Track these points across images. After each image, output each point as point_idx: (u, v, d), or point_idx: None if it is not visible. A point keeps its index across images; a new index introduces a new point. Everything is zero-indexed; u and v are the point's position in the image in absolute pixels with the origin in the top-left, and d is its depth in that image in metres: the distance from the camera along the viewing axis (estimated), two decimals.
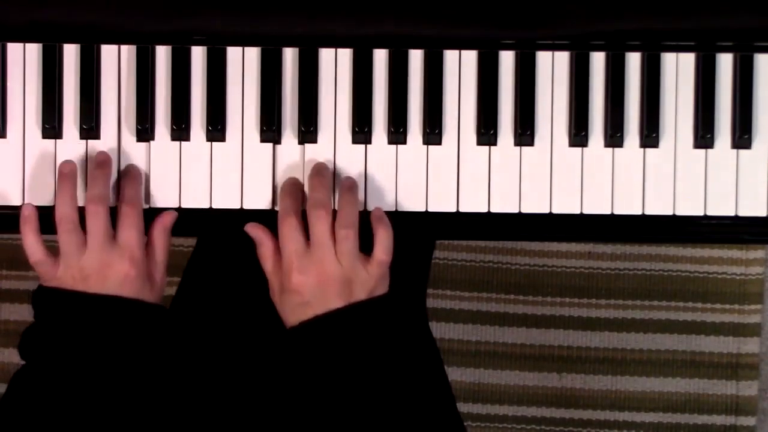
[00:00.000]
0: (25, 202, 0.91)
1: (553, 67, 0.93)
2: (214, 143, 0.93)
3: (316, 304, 0.85)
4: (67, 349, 0.84)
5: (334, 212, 0.87)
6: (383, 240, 0.87)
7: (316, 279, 0.85)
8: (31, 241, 0.88)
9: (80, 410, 0.83)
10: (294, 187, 0.90)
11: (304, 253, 0.86)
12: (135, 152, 0.92)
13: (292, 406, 0.87)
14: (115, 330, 0.85)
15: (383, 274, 0.87)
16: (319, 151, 0.93)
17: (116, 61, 0.92)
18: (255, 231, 0.90)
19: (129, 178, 0.90)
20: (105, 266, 0.86)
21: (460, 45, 0.93)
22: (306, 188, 0.91)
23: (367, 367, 0.84)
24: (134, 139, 0.92)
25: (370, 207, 0.91)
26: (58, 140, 0.92)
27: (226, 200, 0.92)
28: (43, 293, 0.88)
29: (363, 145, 0.93)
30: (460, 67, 0.93)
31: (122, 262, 0.86)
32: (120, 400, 0.85)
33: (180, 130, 0.92)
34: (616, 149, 0.93)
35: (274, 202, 0.92)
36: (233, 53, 0.93)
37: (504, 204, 0.93)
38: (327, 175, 0.91)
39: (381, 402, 0.84)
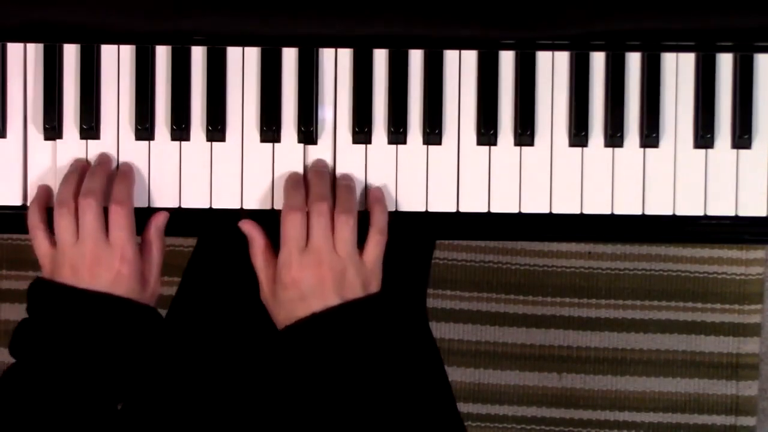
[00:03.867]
0: (26, 202, 0.91)
1: (553, 67, 0.93)
2: (214, 143, 0.93)
3: (313, 299, 0.84)
4: (54, 346, 0.84)
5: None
6: (378, 218, 0.88)
7: (314, 272, 0.84)
8: (35, 214, 0.88)
9: (62, 410, 0.83)
10: (298, 183, 0.90)
11: (304, 248, 0.85)
12: (135, 152, 0.92)
13: (291, 406, 0.87)
14: (102, 328, 0.85)
15: (377, 266, 0.87)
16: (319, 151, 0.93)
17: (116, 61, 0.92)
18: (248, 228, 0.90)
19: (119, 177, 0.90)
20: (95, 262, 0.85)
21: (460, 45, 0.93)
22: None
23: (366, 366, 0.84)
24: (134, 139, 0.92)
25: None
26: (58, 140, 0.92)
27: (226, 200, 0.92)
28: (38, 285, 0.87)
29: (363, 145, 0.93)
30: (460, 67, 0.93)
31: (113, 260, 0.85)
32: (102, 400, 0.85)
33: (180, 130, 0.92)
34: (616, 149, 0.93)
35: (273, 202, 0.92)
36: (233, 53, 0.93)
37: (504, 204, 0.93)
38: (326, 172, 0.91)
39: (381, 402, 0.83)
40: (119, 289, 0.86)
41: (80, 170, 0.90)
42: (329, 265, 0.85)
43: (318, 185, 0.88)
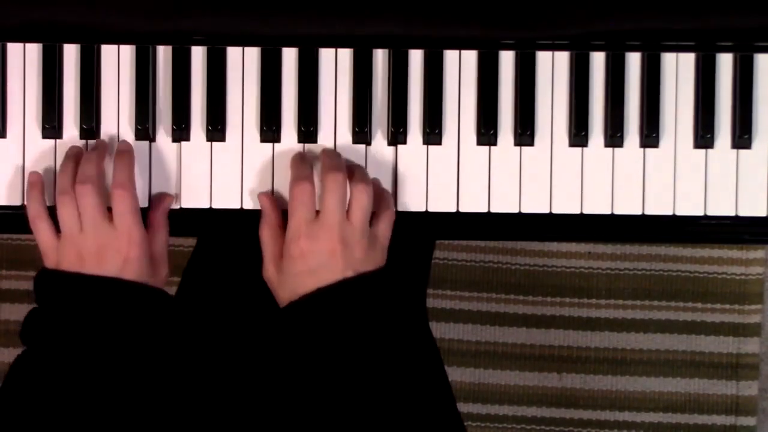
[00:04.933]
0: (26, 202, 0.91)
1: (553, 67, 0.93)
2: (214, 143, 0.93)
3: (323, 272, 0.83)
4: (64, 333, 0.84)
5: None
6: (385, 199, 0.88)
7: (325, 244, 0.83)
8: (35, 204, 0.88)
9: (74, 395, 0.83)
10: (306, 158, 0.89)
11: (313, 220, 0.84)
12: (135, 152, 0.92)
13: (291, 396, 0.86)
14: (113, 313, 0.84)
15: (387, 241, 0.86)
16: (318, 151, 0.93)
17: (116, 61, 0.93)
18: (265, 201, 0.89)
19: (118, 159, 0.89)
20: (101, 247, 0.85)
21: (460, 45, 0.93)
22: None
23: (370, 342, 0.82)
24: (134, 139, 0.92)
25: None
26: (58, 140, 0.92)
27: (226, 200, 0.92)
28: (44, 275, 0.87)
29: (363, 145, 0.93)
30: (460, 67, 0.93)
31: (120, 244, 0.85)
32: (115, 386, 0.84)
33: (180, 130, 0.92)
34: (616, 149, 0.93)
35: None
36: (233, 53, 0.93)
37: (504, 204, 0.93)
38: (338, 152, 0.91)
39: (383, 400, 0.83)
40: (129, 274, 0.85)
41: (75, 157, 0.90)
42: (341, 236, 0.83)
43: (332, 159, 0.87)
